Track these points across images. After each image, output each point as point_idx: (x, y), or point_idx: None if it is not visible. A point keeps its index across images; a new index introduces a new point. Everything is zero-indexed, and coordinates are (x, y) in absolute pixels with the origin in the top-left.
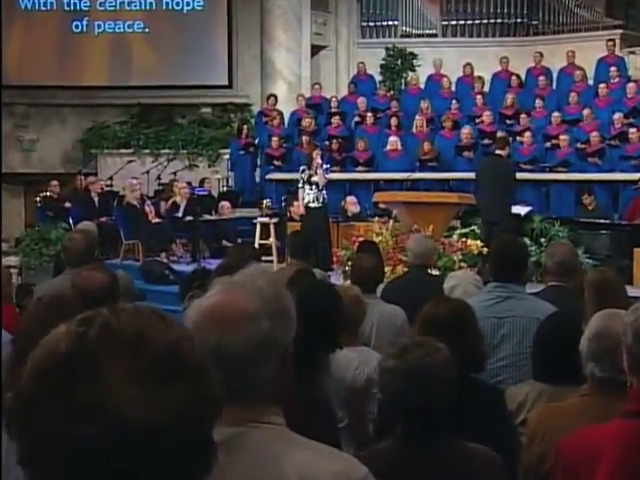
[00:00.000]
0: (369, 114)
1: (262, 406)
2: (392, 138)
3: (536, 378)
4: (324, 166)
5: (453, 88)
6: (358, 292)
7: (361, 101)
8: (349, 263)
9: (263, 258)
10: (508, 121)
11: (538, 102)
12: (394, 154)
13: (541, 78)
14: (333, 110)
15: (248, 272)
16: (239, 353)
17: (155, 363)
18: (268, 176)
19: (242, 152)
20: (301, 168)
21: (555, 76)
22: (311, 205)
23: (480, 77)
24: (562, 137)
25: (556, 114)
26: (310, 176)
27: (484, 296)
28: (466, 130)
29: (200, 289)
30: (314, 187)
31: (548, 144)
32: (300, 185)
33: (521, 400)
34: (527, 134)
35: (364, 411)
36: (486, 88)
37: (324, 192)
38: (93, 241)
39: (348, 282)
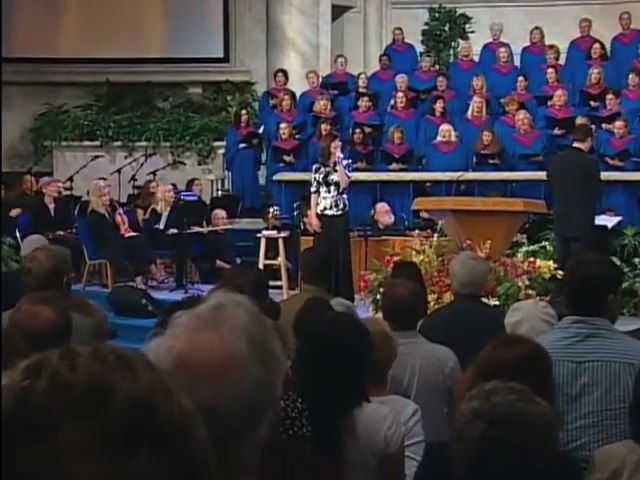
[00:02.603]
0: (399, 94)
1: None
2: (444, 126)
3: (636, 438)
4: (344, 162)
5: (517, 61)
6: (385, 326)
7: (401, 79)
8: (380, 290)
9: (269, 283)
10: (593, 103)
11: (632, 78)
12: (446, 147)
13: None
14: (361, 90)
15: (218, 302)
16: (231, 413)
17: (120, 425)
18: (276, 176)
19: (242, 145)
20: (315, 166)
21: None
22: (328, 213)
23: (553, 46)
24: None
25: None
26: (327, 175)
27: (559, 334)
28: (521, 115)
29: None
30: (333, 189)
31: None
32: (314, 189)
33: (616, 467)
34: (619, 122)
35: None
36: (561, 60)
37: (344, 195)
38: (63, 262)
39: (379, 315)
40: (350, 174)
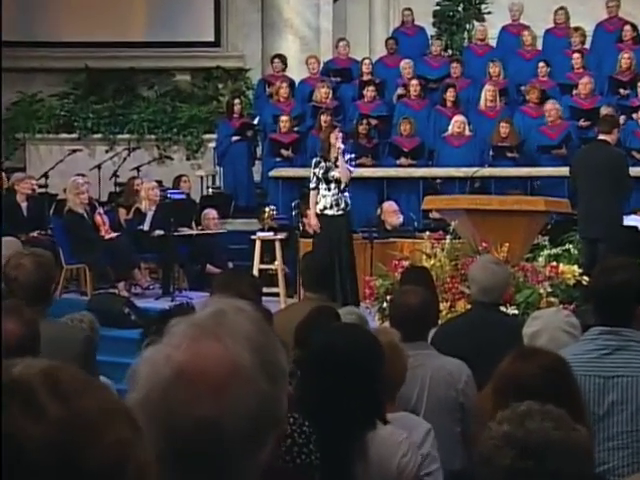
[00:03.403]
0: (414, 82)
1: None
2: (457, 117)
3: None
4: (347, 155)
5: (539, 45)
6: (395, 337)
7: (407, 65)
8: (388, 298)
9: (265, 290)
10: (622, 91)
11: None
12: (459, 141)
13: None
14: (366, 78)
15: (218, 309)
16: (235, 428)
17: None
18: (272, 172)
19: (235, 138)
20: (314, 160)
21: None
22: (328, 212)
23: (579, 28)
24: None
25: None
26: (328, 170)
27: (584, 346)
28: (549, 105)
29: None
30: (333, 186)
31: None
32: (313, 185)
33: None
34: None
35: None
36: (587, 44)
37: (347, 194)
38: (51, 269)
39: (386, 324)
40: (352, 169)
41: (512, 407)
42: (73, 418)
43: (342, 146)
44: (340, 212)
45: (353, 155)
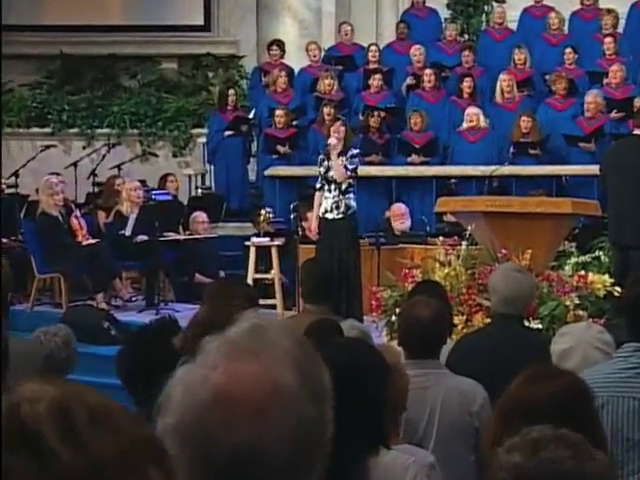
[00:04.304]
0: (427, 71)
1: None
2: (471, 110)
3: None
4: (351, 151)
5: (565, 28)
6: (398, 356)
7: (417, 51)
8: (396, 310)
9: (261, 302)
10: None
11: None
12: (474, 136)
13: None
14: (372, 66)
15: (255, 325)
16: (279, 455)
17: None
18: (268, 171)
19: (228, 133)
20: (320, 158)
21: None
22: (328, 216)
23: (611, 10)
24: None
25: None
26: (328, 170)
27: (617, 364)
28: (590, 97)
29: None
30: (333, 187)
31: None
32: (318, 185)
33: None
34: None
35: None
36: (620, 28)
37: (350, 195)
38: (8, 277)
39: (395, 343)
40: (351, 167)
41: (522, 433)
42: (88, 466)
43: (334, 141)
44: (340, 216)
45: (356, 151)
